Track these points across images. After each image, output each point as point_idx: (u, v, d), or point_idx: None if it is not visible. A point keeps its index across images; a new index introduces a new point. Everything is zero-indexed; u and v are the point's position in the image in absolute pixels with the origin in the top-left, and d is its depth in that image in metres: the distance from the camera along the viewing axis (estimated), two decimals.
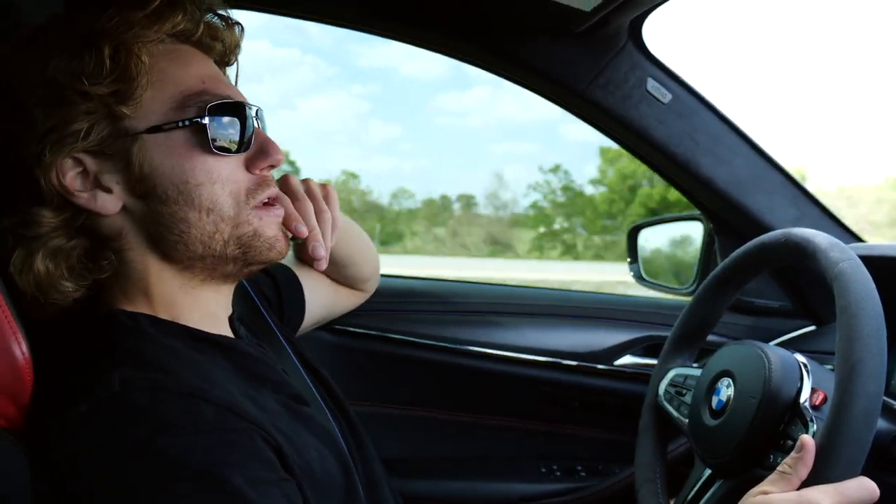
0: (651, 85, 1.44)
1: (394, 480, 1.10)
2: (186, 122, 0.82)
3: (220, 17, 0.92)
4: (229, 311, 0.95)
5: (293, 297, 1.25)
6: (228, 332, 0.93)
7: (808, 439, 0.82)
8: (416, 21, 1.42)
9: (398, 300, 1.72)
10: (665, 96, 1.45)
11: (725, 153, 1.52)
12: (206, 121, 0.82)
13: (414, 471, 1.65)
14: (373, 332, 1.65)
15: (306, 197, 0.97)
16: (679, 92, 1.47)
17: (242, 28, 0.95)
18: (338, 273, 1.34)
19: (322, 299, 1.33)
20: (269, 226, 0.89)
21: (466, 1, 1.36)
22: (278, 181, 0.95)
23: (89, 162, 0.81)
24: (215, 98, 0.84)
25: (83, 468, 0.71)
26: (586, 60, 1.41)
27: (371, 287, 1.45)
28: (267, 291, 1.18)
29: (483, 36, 1.43)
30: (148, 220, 0.84)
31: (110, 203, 0.82)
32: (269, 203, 0.90)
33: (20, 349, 0.74)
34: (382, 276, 1.91)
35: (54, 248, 0.81)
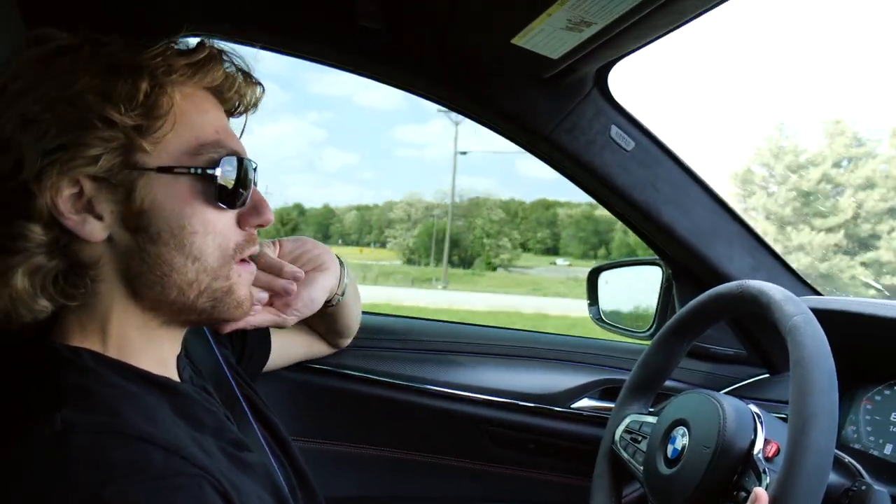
0: (615, 132, 1.47)
1: None
2: (198, 171, 0.82)
3: (244, 73, 0.92)
4: (175, 354, 0.93)
5: (256, 337, 1.25)
6: (174, 375, 0.91)
7: (761, 492, 0.83)
8: (383, 59, 1.43)
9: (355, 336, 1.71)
10: (628, 144, 1.48)
11: (686, 202, 1.54)
12: (217, 172, 0.82)
13: None
14: (327, 368, 1.62)
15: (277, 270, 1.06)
16: (642, 140, 1.49)
17: (264, 89, 0.95)
18: (324, 330, 1.40)
19: (291, 349, 1.38)
20: (243, 284, 0.89)
21: (434, 41, 1.38)
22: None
23: (88, 186, 0.79)
24: (227, 151, 0.84)
25: None
26: (552, 105, 1.43)
27: (346, 343, 1.49)
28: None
29: (450, 77, 1.44)
30: (131, 254, 0.82)
31: (98, 230, 0.80)
32: (246, 260, 0.90)
33: None
34: None
35: (35, 265, 0.79)
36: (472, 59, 1.41)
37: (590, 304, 1.95)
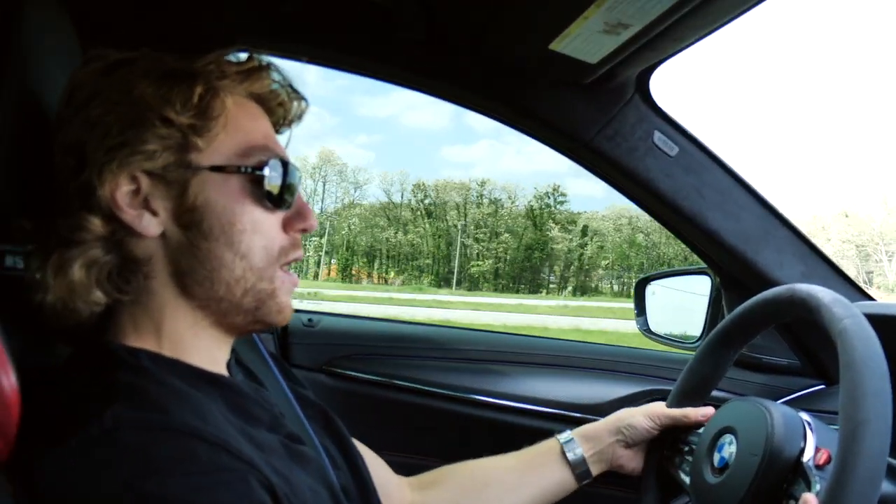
0: (658, 138, 1.45)
1: None
2: (248, 170, 0.86)
3: (289, 87, 0.96)
4: (227, 357, 0.96)
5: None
6: (225, 373, 0.93)
7: (810, 498, 0.80)
8: (423, 69, 1.44)
9: (401, 345, 1.71)
10: (672, 149, 1.46)
11: (733, 207, 1.51)
12: (265, 173, 0.87)
13: None
14: (374, 378, 1.63)
15: None
16: (686, 146, 1.47)
17: (308, 103, 1.00)
18: None
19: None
20: (285, 291, 0.92)
21: (474, 50, 1.38)
22: None
23: (145, 182, 0.84)
24: (274, 155, 0.89)
25: None
26: (593, 112, 1.42)
27: None
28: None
29: (490, 85, 1.45)
30: (183, 250, 0.86)
31: (153, 225, 0.85)
32: (288, 271, 0.93)
33: (8, 380, 0.73)
34: (385, 320, 1.90)
35: (92, 258, 0.83)
36: (512, 67, 1.41)
37: (637, 315, 1.92)
